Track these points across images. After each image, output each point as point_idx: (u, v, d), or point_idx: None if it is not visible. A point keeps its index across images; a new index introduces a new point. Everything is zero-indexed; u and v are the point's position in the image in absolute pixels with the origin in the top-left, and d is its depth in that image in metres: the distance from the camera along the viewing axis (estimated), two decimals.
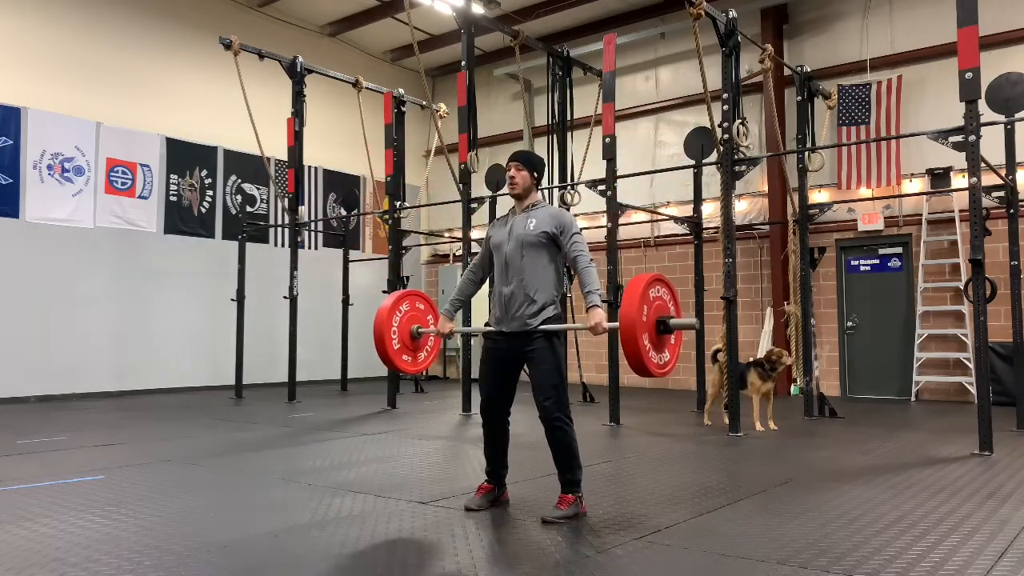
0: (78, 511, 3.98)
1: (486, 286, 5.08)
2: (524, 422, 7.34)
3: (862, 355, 10.79)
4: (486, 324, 4.19)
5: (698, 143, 9.21)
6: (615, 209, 7.75)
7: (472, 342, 9.00)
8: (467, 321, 8.76)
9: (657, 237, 12.54)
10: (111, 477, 4.92)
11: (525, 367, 4.00)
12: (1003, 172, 7.44)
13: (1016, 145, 7.59)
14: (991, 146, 7.30)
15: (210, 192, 12.36)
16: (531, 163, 4.05)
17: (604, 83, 7.85)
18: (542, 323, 3.86)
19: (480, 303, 10.83)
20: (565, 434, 3.81)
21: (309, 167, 13.41)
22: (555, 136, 10.11)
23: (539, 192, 4.12)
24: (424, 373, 14.85)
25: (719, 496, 4.33)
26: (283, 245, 12.98)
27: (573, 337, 10.62)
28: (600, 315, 3.71)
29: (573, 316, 10.66)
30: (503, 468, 4.12)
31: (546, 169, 4.16)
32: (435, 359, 4.60)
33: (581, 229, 3.99)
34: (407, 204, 10.61)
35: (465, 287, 4.27)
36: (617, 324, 3.49)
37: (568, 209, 9.90)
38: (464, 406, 8.62)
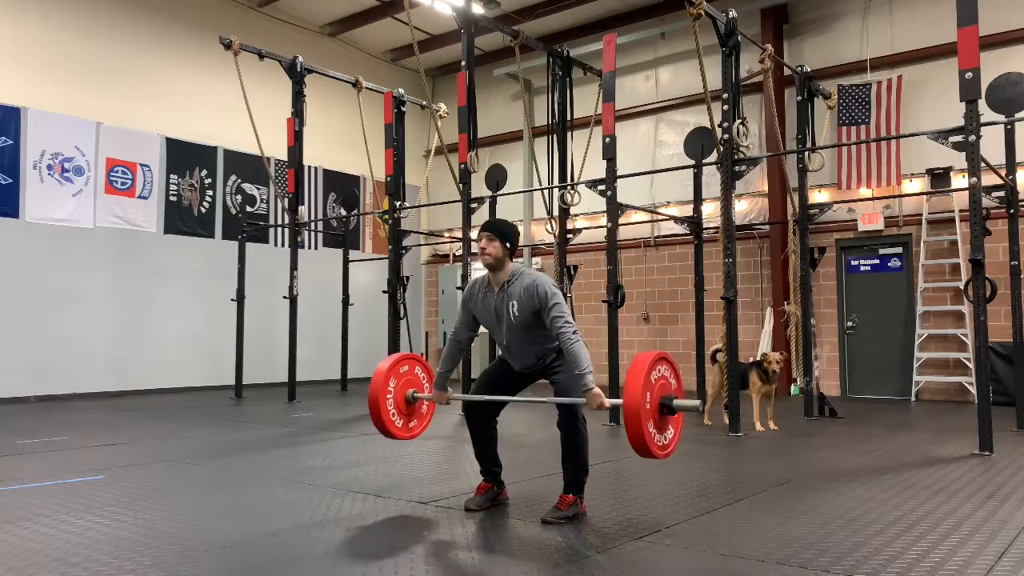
0: (78, 511, 3.98)
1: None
2: (524, 422, 7.34)
3: (862, 355, 10.79)
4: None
5: (698, 143, 9.21)
6: (615, 209, 7.75)
7: (472, 343, 8.97)
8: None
9: (657, 237, 12.54)
10: (111, 477, 4.92)
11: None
12: (1003, 172, 7.44)
13: (1016, 145, 7.59)
14: (991, 146, 7.30)
15: (210, 192, 12.36)
16: (503, 233, 3.92)
17: (604, 83, 7.85)
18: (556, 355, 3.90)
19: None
20: (579, 436, 3.80)
21: (309, 167, 13.41)
22: (555, 136, 10.10)
23: (511, 262, 3.97)
24: None
25: (719, 496, 4.33)
26: (283, 245, 12.98)
27: None
28: (599, 396, 3.64)
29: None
30: (496, 466, 4.11)
31: (518, 236, 4.07)
32: (428, 426, 4.54)
33: (557, 294, 3.84)
34: (407, 204, 10.60)
35: (452, 356, 4.20)
36: (619, 402, 3.47)
37: (568, 209, 9.90)
38: (464, 406, 8.61)
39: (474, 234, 9.11)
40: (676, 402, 3.57)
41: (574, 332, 3.74)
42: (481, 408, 4.04)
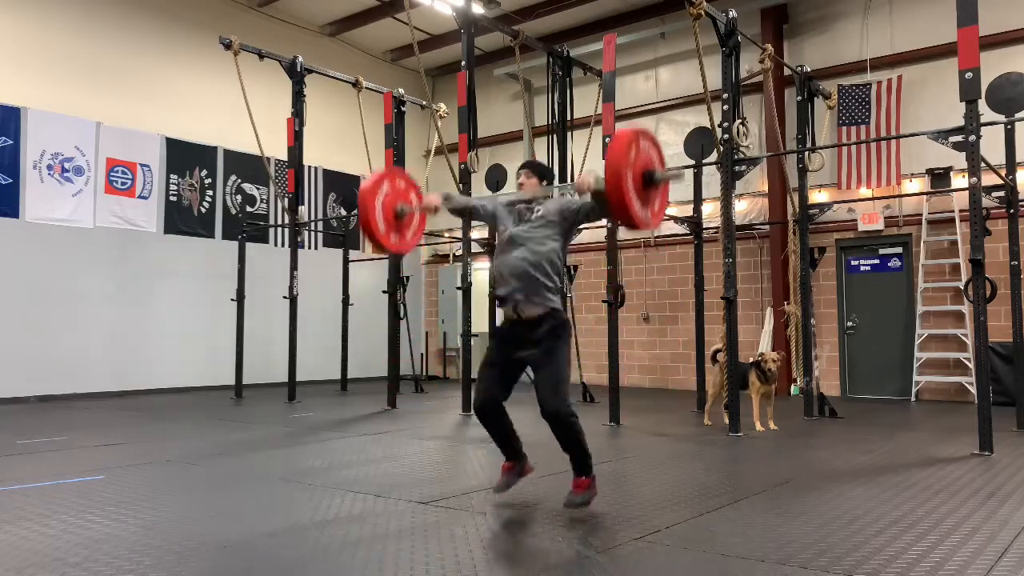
0: (78, 511, 3.98)
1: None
2: (524, 422, 7.33)
3: (862, 355, 10.79)
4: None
5: (698, 143, 9.21)
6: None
7: (472, 343, 8.99)
8: (468, 324, 8.75)
9: (657, 237, 12.53)
10: (111, 477, 4.92)
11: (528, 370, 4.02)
12: (1003, 172, 7.44)
13: (1016, 145, 7.59)
14: (991, 146, 7.30)
15: (210, 192, 12.36)
16: (540, 171, 4.24)
17: (604, 83, 7.85)
18: (546, 306, 3.87)
19: (481, 308, 10.83)
20: (572, 428, 3.82)
21: (309, 167, 13.41)
22: (555, 136, 10.10)
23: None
24: (424, 372, 14.87)
25: (719, 496, 4.33)
26: (283, 245, 12.98)
27: (574, 337, 10.60)
28: (587, 175, 3.70)
29: (573, 315, 10.66)
30: (515, 447, 4.15)
31: (554, 177, 4.23)
32: (415, 244, 4.52)
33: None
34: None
35: (468, 204, 4.33)
36: (603, 178, 3.45)
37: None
38: (464, 406, 8.62)
39: (475, 234, 9.14)
40: (658, 173, 3.57)
41: None
42: (491, 405, 4.03)
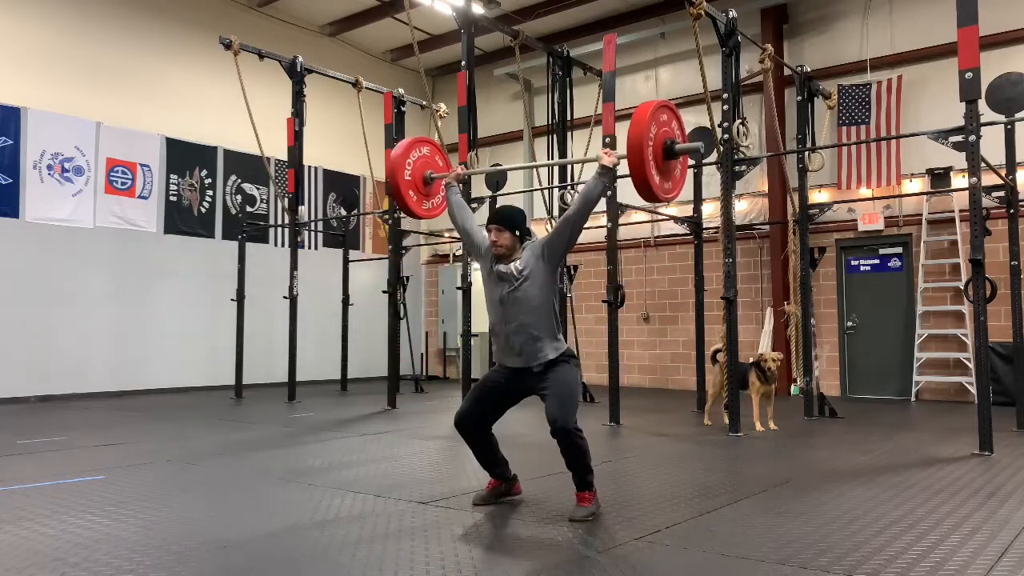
0: (78, 511, 3.98)
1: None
2: (524, 422, 7.34)
3: (862, 355, 10.79)
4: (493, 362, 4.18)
5: (698, 143, 9.19)
6: (615, 209, 7.75)
7: (472, 343, 9.00)
8: (468, 324, 8.75)
9: (657, 237, 12.54)
10: (111, 477, 4.92)
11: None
12: (1003, 172, 7.44)
13: (1016, 145, 7.59)
14: (991, 146, 7.30)
15: (210, 192, 12.36)
16: (512, 222, 3.94)
17: (604, 83, 7.85)
18: (549, 357, 3.85)
19: (481, 308, 10.83)
20: (578, 446, 3.78)
21: (309, 167, 13.41)
22: (555, 136, 10.10)
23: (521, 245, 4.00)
24: (424, 372, 14.87)
25: (719, 496, 4.33)
26: (283, 245, 12.97)
27: (574, 337, 10.61)
28: (606, 152, 3.74)
29: (573, 315, 10.67)
30: (500, 467, 4.14)
31: (527, 220, 4.09)
32: (441, 212, 4.57)
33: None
34: None
35: (463, 209, 4.34)
36: (624, 153, 3.47)
37: (567, 209, 9.89)
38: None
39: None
40: (679, 145, 3.59)
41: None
42: (474, 423, 4.04)
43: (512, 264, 3.91)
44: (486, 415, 4.05)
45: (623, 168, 4.04)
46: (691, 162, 9.32)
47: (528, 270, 3.87)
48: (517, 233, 3.94)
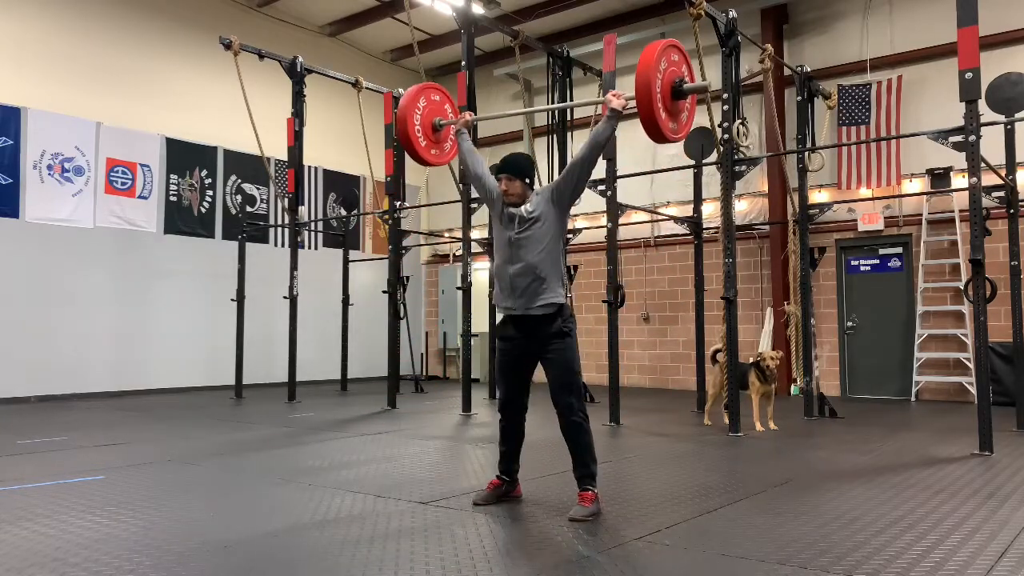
0: (78, 511, 3.98)
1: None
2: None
3: (862, 355, 10.79)
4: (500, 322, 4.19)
5: (698, 143, 9.20)
6: (615, 209, 7.75)
7: (472, 343, 8.99)
8: (468, 324, 8.75)
9: (657, 237, 12.54)
10: (111, 477, 4.92)
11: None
12: (1003, 172, 7.44)
13: (1016, 145, 7.59)
14: (991, 146, 7.30)
15: (210, 192, 12.36)
16: (521, 169, 4.04)
17: (604, 83, 7.85)
18: (552, 303, 3.90)
19: (481, 308, 10.82)
20: (582, 430, 3.86)
21: (309, 167, 13.41)
22: (555, 136, 10.10)
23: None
24: (424, 372, 14.87)
25: (719, 496, 4.33)
26: (283, 245, 12.98)
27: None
28: (615, 98, 3.76)
29: (574, 315, 10.64)
30: (515, 464, 4.18)
31: (535, 166, 4.16)
32: (451, 158, 4.57)
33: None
34: (407, 204, 10.60)
35: (476, 156, 4.34)
36: (632, 95, 3.47)
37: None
38: (464, 406, 8.62)
39: (475, 234, 9.13)
40: (687, 85, 3.58)
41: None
42: (515, 405, 4.10)
43: (523, 207, 3.99)
44: (522, 390, 4.11)
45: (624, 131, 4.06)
46: (691, 161, 9.35)
47: (538, 212, 3.96)
48: (527, 181, 4.04)
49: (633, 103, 3.92)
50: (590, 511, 3.79)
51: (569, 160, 3.93)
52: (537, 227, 3.94)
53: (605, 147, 3.97)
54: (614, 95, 3.89)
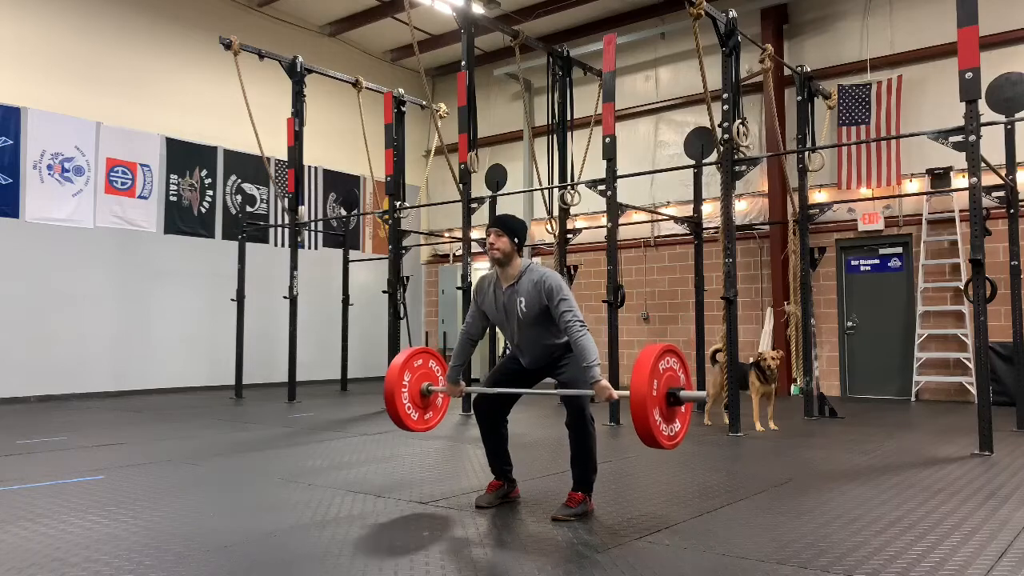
0: (78, 511, 3.98)
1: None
2: (524, 422, 7.34)
3: (862, 355, 10.79)
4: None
5: (698, 143, 9.21)
6: (615, 209, 7.75)
7: None
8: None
9: (657, 237, 12.54)
10: (111, 477, 4.92)
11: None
12: (1003, 172, 7.44)
13: (1016, 145, 7.58)
14: (991, 146, 7.30)
15: (210, 192, 12.36)
16: (511, 228, 3.92)
17: (604, 83, 7.85)
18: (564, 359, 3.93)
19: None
20: (588, 435, 3.82)
21: (309, 167, 13.41)
22: (555, 136, 10.10)
23: (520, 258, 3.97)
24: None
25: (719, 496, 4.33)
26: (283, 245, 12.98)
27: None
28: (607, 388, 3.62)
29: None
30: (506, 465, 4.15)
31: (527, 232, 4.09)
32: (443, 418, 4.58)
33: (564, 288, 3.85)
34: (407, 204, 10.60)
35: (464, 350, 4.23)
36: (627, 394, 3.46)
37: (568, 209, 9.91)
38: (464, 406, 8.62)
39: (475, 234, 9.13)
40: (683, 393, 3.57)
41: (582, 325, 3.74)
42: (491, 406, 4.05)
43: (518, 300, 3.87)
44: (504, 398, 4.06)
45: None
46: (691, 161, 9.35)
47: (532, 313, 3.86)
48: (515, 241, 3.91)
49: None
50: (573, 512, 3.76)
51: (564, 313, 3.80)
52: (534, 321, 3.89)
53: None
54: (612, 396, 3.62)
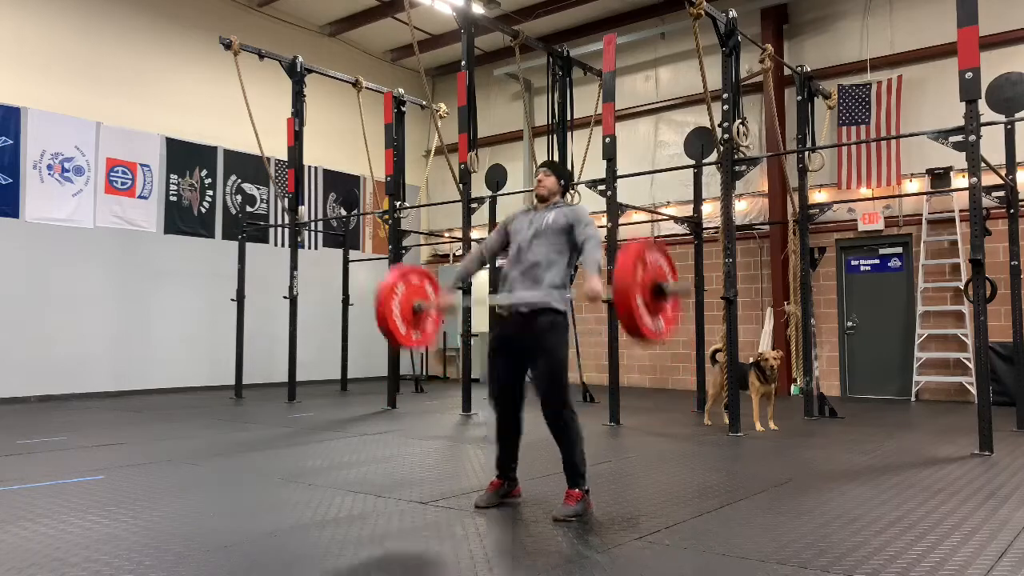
0: (78, 511, 3.98)
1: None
2: (524, 422, 7.32)
3: (862, 355, 10.79)
4: (495, 307, 4.15)
5: (698, 143, 9.21)
6: (615, 209, 7.75)
7: (472, 342, 8.99)
8: (468, 325, 8.74)
9: (657, 237, 12.53)
10: (111, 477, 4.92)
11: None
12: (1003, 172, 7.44)
13: (1016, 145, 7.58)
14: (991, 146, 7.30)
15: (210, 192, 12.36)
16: (560, 172, 4.23)
17: (604, 83, 7.85)
18: (545, 302, 3.85)
19: (481, 308, 10.83)
20: (568, 426, 3.80)
21: (309, 167, 13.41)
22: (555, 136, 10.10)
23: (564, 198, 4.26)
24: (424, 372, 14.87)
25: (719, 496, 4.33)
26: (283, 245, 12.98)
27: (573, 338, 10.61)
28: (596, 281, 3.60)
29: (573, 315, 10.66)
30: (513, 462, 4.13)
31: (572, 181, 4.24)
32: (435, 336, 4.54)
33: (594, 223, 3.99)
34: (407, 204, 10.60)
35: (471, 264, 4.31)
36: (611, 288, 3.42)
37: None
38: (464, 406, 8.62)
39: (475, 234, 9.13)
40: (669, 286, 3.56)
41: (599, 244, 3.86)
42: (510, 389, 4.01)
43: (548, 216, 4.01)
44: (516, 380, 4.01)
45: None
46: (691, 161, 9.35)
47: (559, 225, 3.96)
48: (561, 182, 4.21)
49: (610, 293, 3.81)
50: (574, 511, 3.75)
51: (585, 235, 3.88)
52: (552, 235, 3.94)
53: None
54: (596, 289, 3.59)
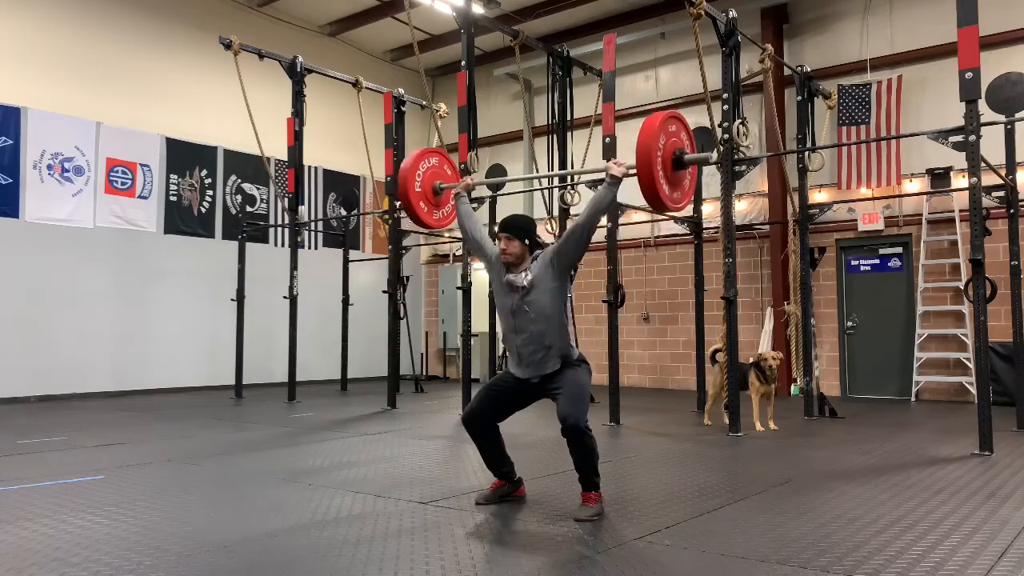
0: (78, 511, 3.98)
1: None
2: (523, 422, 7.33)
3: (862, 355, 10.79)
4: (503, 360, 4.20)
5: (698, 143, 9.19)
6: (615, 209, 7.75)
7: (472, 342, 8.99)
8: (468, 324, 8.75)
9: (657, 237, 12.53)
10: (111, 477, 4.92)
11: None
12: (1003, 172, 7.44)
13: (1016, 145, 7.59)
14: (991, 146, 7.30)
15: (210, 192, 12.36)
16: (521, 231, 3.96)
17: (604, 83, 7.85)
18: (556, 369, 3.89)
19: (481, 308, 10.82)
20: (588, 445, 3.81)
21: (309, 167, 13.41)
22: (555, 136, 10.10)
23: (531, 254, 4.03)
24: (424, 372, 14.87)
25: (719, 496, 4.33)
26: (283, 245, 12.97)
27: (574, 338, 10.59)
28: (615, 164, 3.71)
29: (574, 315, 10.64)
30: (504, 467, 4.15)
31: (536, 228, 4.10)
32: (452, 221, 4.58)
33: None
34: None
35: (476, 222, 4.31)
36: (633, 163, 3.46)
37: (568, 209, 9.90)
38: (464, 406, 8.61)
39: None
40: (688, 156, 3.59)
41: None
42: (481, 420, 4.05)
43: (522, 274, 3.91)
44: (495, 415, 4.07)
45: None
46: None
47: (537, 278, 3.88)
48: (526, 242, 3.95)
49: (634, 170, 3.86)
50: (594, 511, 3.79)
51: (570, 225, 3.85)
52: (536, 294, 3.87)
53: (607, 212, 3.91)
54: (615, 163, 3.81)
